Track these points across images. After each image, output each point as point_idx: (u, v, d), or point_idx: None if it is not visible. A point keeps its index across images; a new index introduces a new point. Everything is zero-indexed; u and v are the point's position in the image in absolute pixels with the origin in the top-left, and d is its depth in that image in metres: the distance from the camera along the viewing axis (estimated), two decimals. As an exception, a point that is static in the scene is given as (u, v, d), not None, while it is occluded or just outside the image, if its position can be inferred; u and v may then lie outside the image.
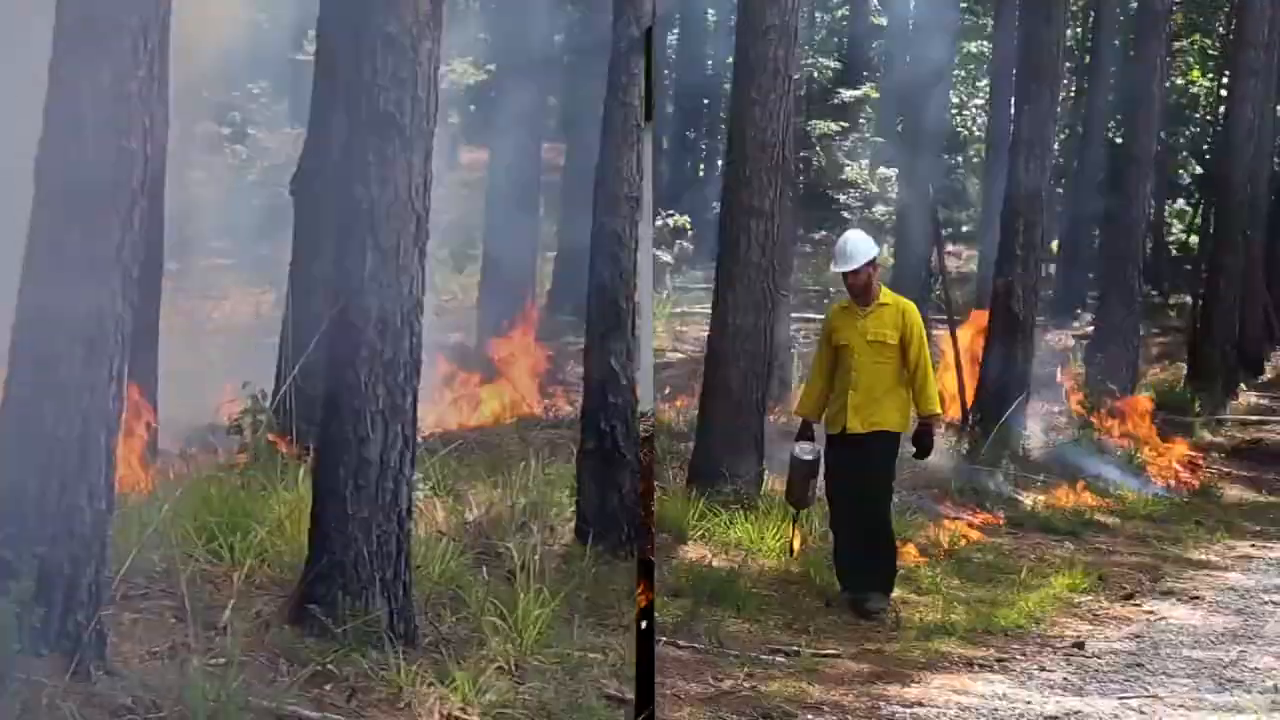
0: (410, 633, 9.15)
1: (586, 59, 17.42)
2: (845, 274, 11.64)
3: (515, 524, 10.80)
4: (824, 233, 34.04)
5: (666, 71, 35.42)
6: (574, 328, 12.61)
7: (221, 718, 7.59)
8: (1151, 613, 13.26)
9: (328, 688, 8.33)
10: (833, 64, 36.11)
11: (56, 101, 7.60)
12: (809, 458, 11.78)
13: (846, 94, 34.78)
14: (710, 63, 36.97)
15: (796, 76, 15.44)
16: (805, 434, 11.88)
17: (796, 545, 12.21)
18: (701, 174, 37.97)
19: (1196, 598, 14.32)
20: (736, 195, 14.11)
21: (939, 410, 11.93)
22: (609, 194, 10.74)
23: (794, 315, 23.57)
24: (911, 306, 11.85)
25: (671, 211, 32.35)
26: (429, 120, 7.91)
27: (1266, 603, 14.24)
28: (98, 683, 7.77)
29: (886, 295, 11.83)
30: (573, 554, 11.06)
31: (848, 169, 33.27)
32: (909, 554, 13.75)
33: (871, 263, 11.64)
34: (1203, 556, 16.75)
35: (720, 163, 16.78)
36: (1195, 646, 12.02)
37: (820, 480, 12.01)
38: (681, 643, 10.56)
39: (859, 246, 11.66)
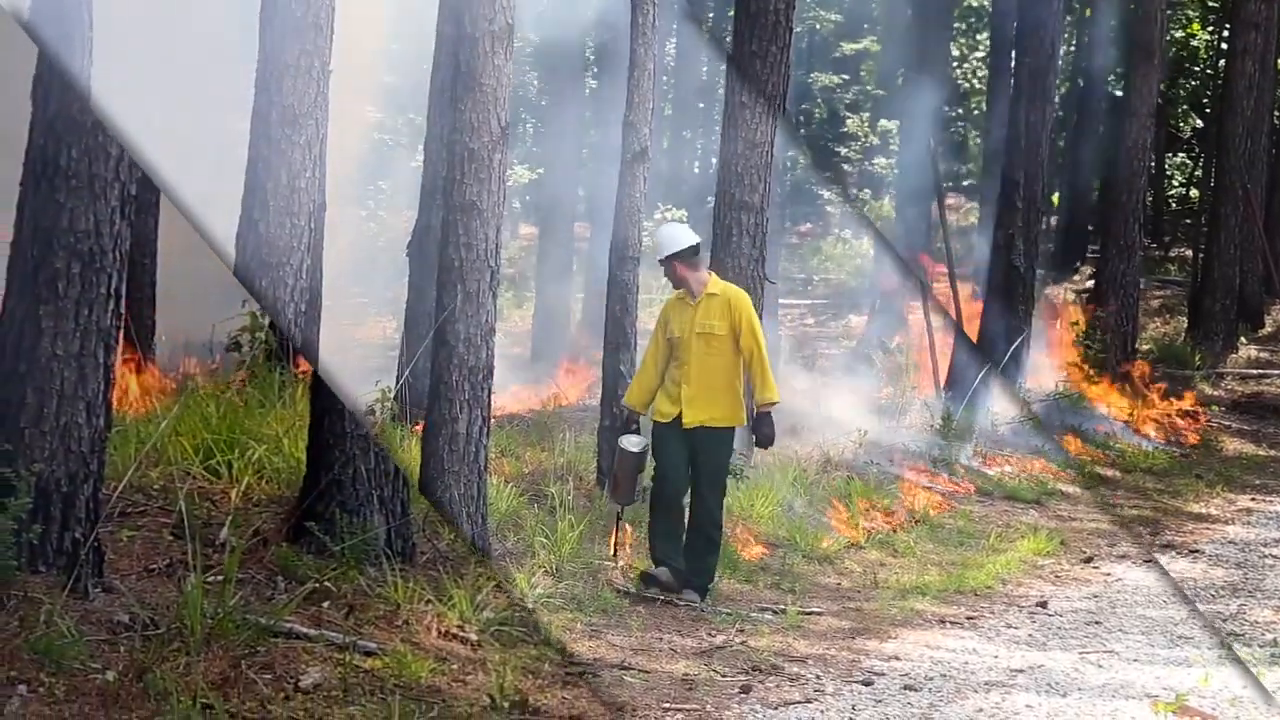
0: (408, 550, 9.24)
1: (604, 164, 22.20)
2: (662, 263, 11.39)
3: (556, 475, 12.71)
4: (809, 225, 34.84)
5: (666, 78, 35.64)
6: (595, 344, 15.65)
7: (219, 634, 7.63)
8: (1109, 574, 13.52)
9: (325, 605, 8.38)
10: (834, 17, 36.08)
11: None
12: (637, 450, 11.31)
13: (847, 47, 34.73)
14: (705, 70, 37.61)
15: (798, 30, 16.00)
16: (631, 427, 11.50)
17: (616, 544, 11.54)
18: (697, 170, 38.39)
19: (1196, 551, 14.43)
20: (729, 190, 15.03)
21: (777, 399, 11.29)
22: (620, 257, 13.36)
23: (781, 302, 24.91)
24: (740, 295, 11.46)
25: (670, 206, 32.98)
26: (499, 206, 10.44)
27: (1266, 556, 14.34)
28: (95, 599, 7.81)
29: (716, 285, 11.38)
30: (595, 496, 12.68)
31: (849, 121, 33.23)
32: (883, 520, 14.37)
33: (687, 253, 11.28)
34: (1202, 510, 16.83)
35: (714, 160, 17.75)
36: (1149, 605, 12.34)
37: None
38: (678, 600, 11.04)
39: (663, 239, 11.43)
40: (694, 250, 11.36)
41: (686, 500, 11.30)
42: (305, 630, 8.05)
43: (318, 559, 8.78)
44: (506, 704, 7.90)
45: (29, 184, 7.71)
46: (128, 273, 7.93)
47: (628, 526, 11.66)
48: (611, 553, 11.47)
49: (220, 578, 8.13)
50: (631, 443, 11.31)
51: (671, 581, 11.03)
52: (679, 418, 11.17)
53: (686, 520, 11.26)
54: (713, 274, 11.54)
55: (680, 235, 11.42)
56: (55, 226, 7.64)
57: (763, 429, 11.30)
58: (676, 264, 11.30)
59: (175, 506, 8.74)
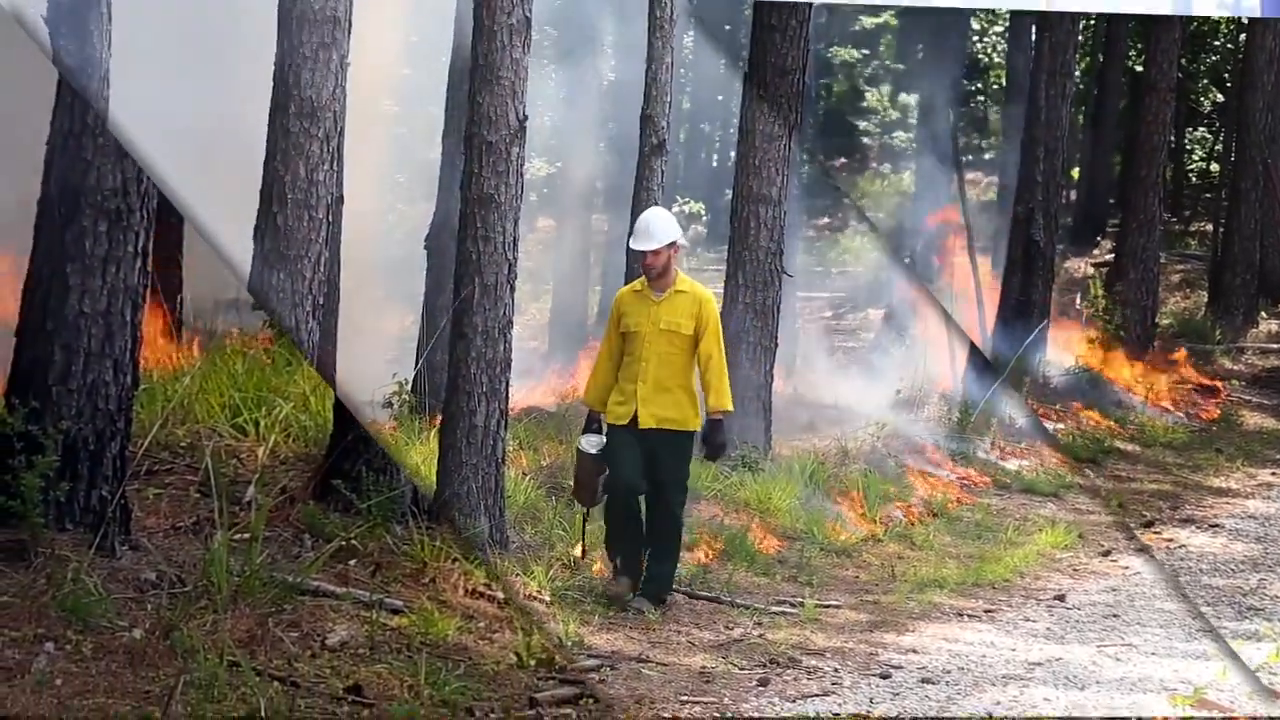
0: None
1: (622, 158, 22.40)
2: (644, 254, 10.77)
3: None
4: (827, 219, 34.98)
5: (684, 71, 35.60)
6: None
7: (245, 592, 7.67)
8: (1126, 567, 13.47)
9: (352, 563, 8.42)
10: (853, -9, 35.99)
11: None
12: (595, 452, 10.69)
13: (868, 21, 34.62)
14: (722, 62, 37.64)
15: (817, 4, 16.00)
16: (591, 426, 10.85)
17: (578, 552, 11.06)
18: (715, 163, 38.32)
19: (1216, 525, 14.40)
20: (747, 183, 15.09)
21: (730, 408, 10.87)
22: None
23: (799, 294, 24.79)
24: (709, 296, 10.93)
25: (687, 199, 32.96)
26: (517, 198, 10.61)
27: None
28: (122, 557, 7.87)
29: (684, 283, 10.84)
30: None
31: (868, 95, 33.16)
32: (901, 513, 14.41)
33: (672, 244, 10.76)
34: (1222, 484, 16.82)
35: (732, 153, 17.77)
36: (1168, 598, 12.28)
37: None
38: (696, 593, 11.09)
39: (660, 225, 10.81)
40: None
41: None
42: (332, 588, 8.09)
43: (344, 517, 8.83)
44: (533, 662, 7.94)
45: (56, 142, 7.74)
46: (155, 231, 7.96)
47: None
48: (580, 555, 11.03)
49: (247, 536, 8.17)
50: (590, 444, 10.73)
51: (623, 592, 10.51)
52: (634, 419, 10.62)
53: (645, 526, 10.78)
54: (678, 270, 10.96)
55: (674, 222, 10.94)
56: (83, 185, 7.68)
57: (715, 439, 10.82)
58: (673, 253, 10.81)
59: (202, 464, 8.79)
